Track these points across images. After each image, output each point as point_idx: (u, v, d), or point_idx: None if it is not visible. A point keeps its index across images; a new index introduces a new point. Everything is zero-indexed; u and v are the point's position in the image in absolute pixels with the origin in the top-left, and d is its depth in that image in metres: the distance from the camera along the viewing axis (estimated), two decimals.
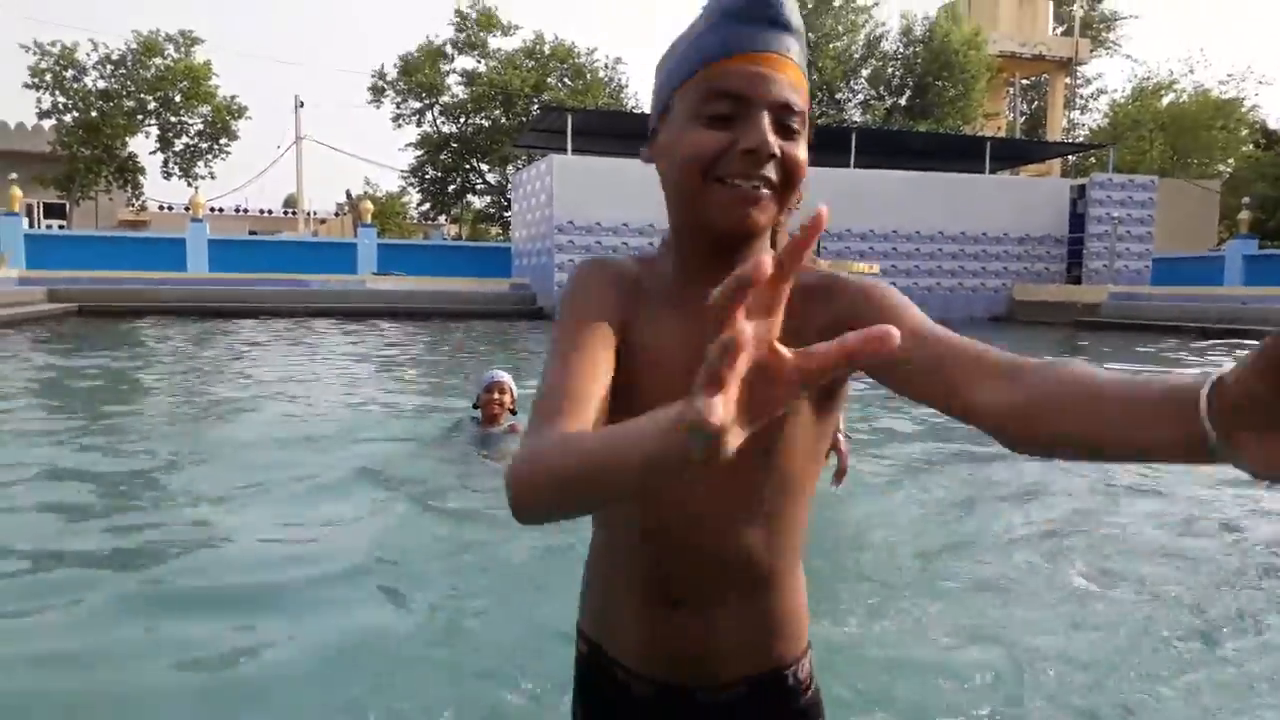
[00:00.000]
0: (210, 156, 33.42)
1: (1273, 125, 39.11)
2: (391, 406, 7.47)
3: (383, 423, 6.66)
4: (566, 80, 35.64)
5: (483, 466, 4.93)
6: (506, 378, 5.40)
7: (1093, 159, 37.65)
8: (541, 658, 2.57)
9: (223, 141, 33.37)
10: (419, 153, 36.55)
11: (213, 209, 40.29)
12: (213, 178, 34.46)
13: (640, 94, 35.51)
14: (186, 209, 28.09)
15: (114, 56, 31.24)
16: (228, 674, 2.57)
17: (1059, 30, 38.94)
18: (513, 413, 5.38)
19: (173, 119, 32.57)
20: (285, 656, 2.68)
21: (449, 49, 35.10)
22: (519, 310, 22.40)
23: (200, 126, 33.07)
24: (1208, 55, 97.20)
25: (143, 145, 34.63)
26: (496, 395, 5.30)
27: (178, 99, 32.03)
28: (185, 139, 33.12)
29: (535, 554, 3.55)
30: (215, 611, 3.00)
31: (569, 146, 22.54)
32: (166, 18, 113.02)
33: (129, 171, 33.41)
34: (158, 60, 31.64)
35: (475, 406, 5.48)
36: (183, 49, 31.95)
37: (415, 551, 3.62)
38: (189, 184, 33.28)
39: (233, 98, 33.27)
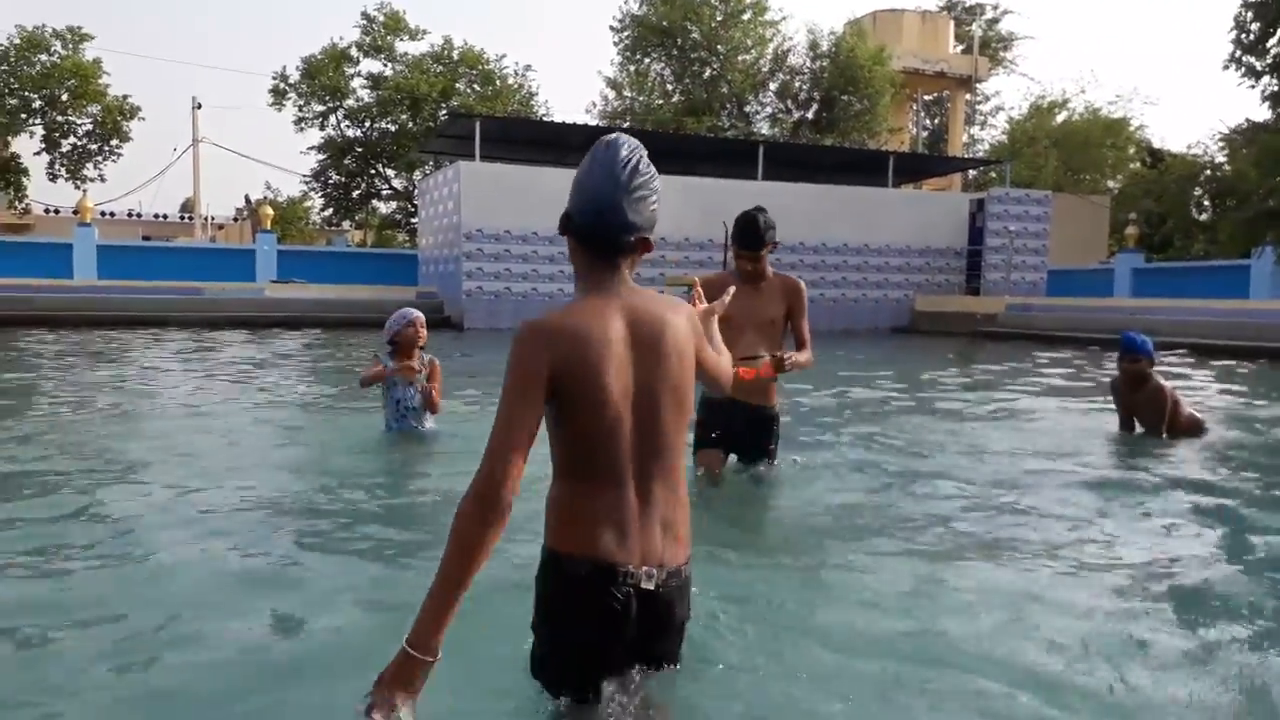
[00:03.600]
0: (100, 158, 32.13)
1: (1157, 144, 40.89)
2: (291, 417, 7.15)
3: (287, 434, 6.37)
4: (475, 86, 35.26)
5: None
6: (419, 313, 6.02)
7: (991, 174, 38.85)
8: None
9: (114, 143, 32.09)
10: (322, 157, 35.69)
11: (103, 213, 38.64)
12: (103, 180, 33.18)
13: (550, 102, 35.34)
14: (74, 212, 26.84)
15: None
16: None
17: (959, 49, 40.13)
18: (421, 348, 5.99)
19: (59, 118, 31.16)
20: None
21: (354, 52, 34.40)
22: (426, 320, 22.01)
23: (89, 127, 31.72)
24: (1098, 76, 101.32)
25: (27, 145, 33.01)
26: (418, 328, 5.92)
27: (65, 97, 30.66)
28: (73, 139, 31.74)
29: None
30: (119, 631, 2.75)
31: (477, 153, 22.25)
32: (53, 13, 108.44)
33: (11, 173, 31.93)
34: (43, 56, 30.25)
35: (391, 343, 5.89)
36: (70, 45, 30.61)
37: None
38: (77, 186, 31.92)
39: (124, 97, 32.03)
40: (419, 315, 6.00)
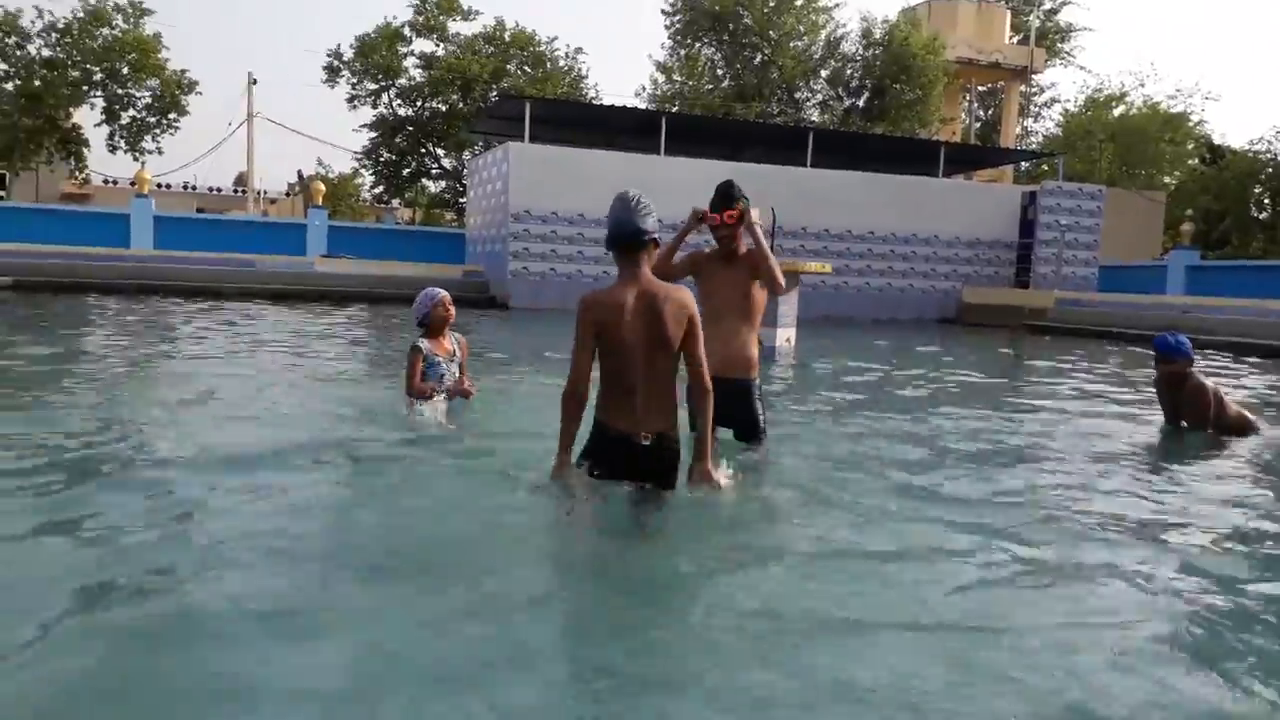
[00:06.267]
0: (158, 131, 32.60)
1: (1218, 140, 40.01)
2: (339, 390, 7.30)
3: (334, 407, 6.51)
4: (526, 68, 35.34)
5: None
6: (445, 292, 6.01)
7: (1044, 167, 38.25)
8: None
9: (171, 116, 32.56)
10: (373, 135, 36.00)
11: (159, 185, 39.41)
12: (160, 153, 33.71)
13: (600, 85, 35.32)
14: (132, 184, 27.37)
15: (59, 25, 30.31)
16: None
17: (1015, 39, 39.45)
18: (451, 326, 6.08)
19: (119, 91, 31.71)
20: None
21: (407, 31, 34.63)
22: (472, 298, 22.18)
23: (148, 100, 32.23)
24: (1158, 70, 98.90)
25: (88, 117, 33.62)
26: (448, 307, 5.93)
27: (125, 71, 31.20)
28: (132, 112, 32.28)
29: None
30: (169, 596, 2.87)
31: (527, 134, 22.35)
32: None
33: (72, 143, 32.54)
34: (105, 30, 30.78)
35: (421, 324, 5.94)
36: (131, 20, 31.12)
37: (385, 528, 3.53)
38: (135, 158, 32.48)
39: (183, 72, 32.51)
40: (445, 294, 6.00)
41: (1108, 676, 2.47)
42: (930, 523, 3.96)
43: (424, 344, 5.90)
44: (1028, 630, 2.76)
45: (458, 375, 5.96)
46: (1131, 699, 2.35)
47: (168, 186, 44.35)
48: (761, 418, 4.95)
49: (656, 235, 3.72)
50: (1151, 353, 6.48)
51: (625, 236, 3.64)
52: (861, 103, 34.77)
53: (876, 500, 4.30)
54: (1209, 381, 6.53)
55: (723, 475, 3.97)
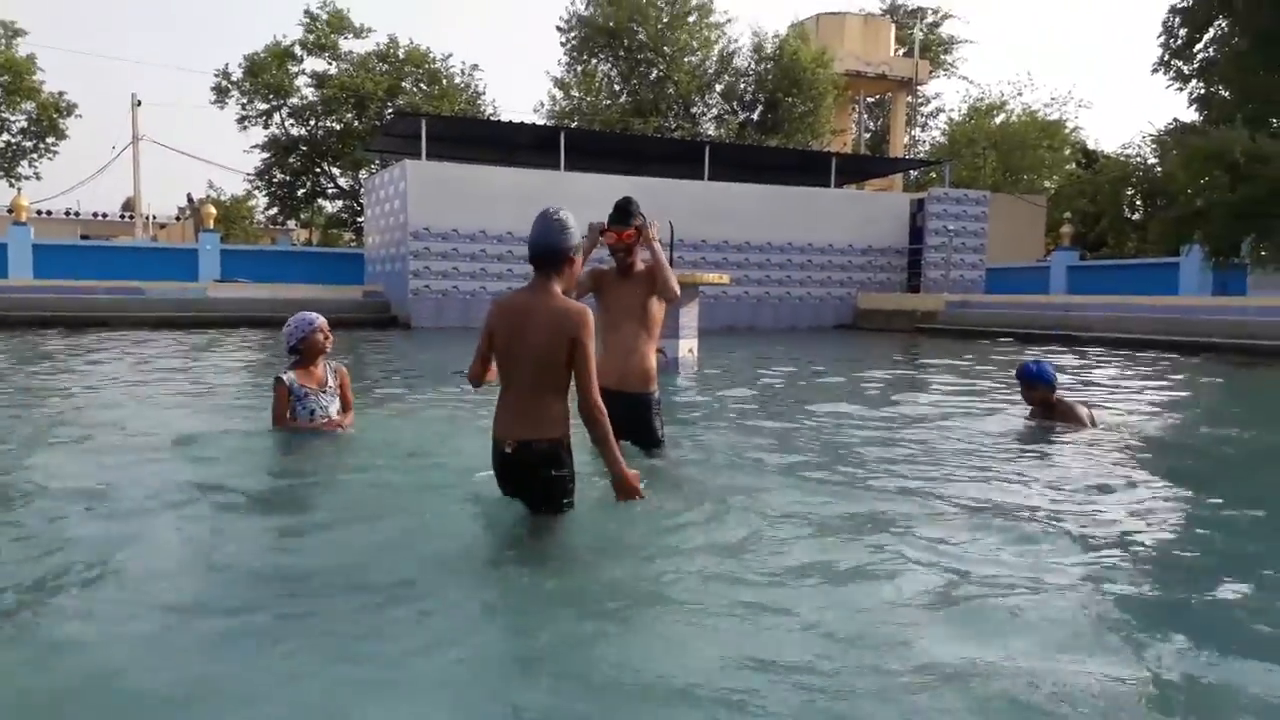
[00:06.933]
0: (35, 156, 31.41)
1: (1092, 146, 41.93)
2: (231, 416, 7.16)
3: (220, 435, 6.39)
4: (422, 85, 35.08)
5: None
6: (322, 318, 5.47)
7: (931, 174, 39.57)
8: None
9: (50, 140, 31.42)
10: (266, 155, 35.25)
11: (39, 212, 37.80)
12: (38, 178, 32.43)
13: (498, 102, 35.24)
14: (9, 211, 26.25)
15: None
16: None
17: (901, 52, 40.79)
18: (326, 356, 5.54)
19: None
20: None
21: (298, 50, 34.03)
22: (373, 319, 21.90)
23: (24, 124, 31.00)
24: (1034, 79, 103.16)
25: None
26: (327, 334, 5.43)
27: None
28: (6, 137, 31.01)
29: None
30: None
31: (424, 152, 22.22)
32: None
33: None
34: None
35: (294, 350, 5.38)
36: (3, 41, 29.92)
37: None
38: (11, 184, 31.18)
39: (60, 94, 31.36)
40: (323, 320, 5.45)
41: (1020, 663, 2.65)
42: (834, 516, 4.13)
43: (289, 375, 5.34)
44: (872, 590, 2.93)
45: (332, 410, 5.43)
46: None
47: (48, 213, 42.57)
48: (660, 430, 5.07)
49: (571, 253, 3.73)
50: (1042, 348, 6.74)
51: (535, 251, 3.71)
52: (755, 116, 35.47)
53: (780, 496, 4.46)
54: (1075, 401, 6.81)
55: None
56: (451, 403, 7.76)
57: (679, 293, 5.00)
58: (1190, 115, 24.76)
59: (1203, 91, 24.24)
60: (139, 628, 2.82)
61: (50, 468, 5.02)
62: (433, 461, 5.22)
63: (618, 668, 2.58)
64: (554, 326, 3.59)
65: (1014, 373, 6.85)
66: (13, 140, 31.12)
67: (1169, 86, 24.55)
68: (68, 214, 46.84)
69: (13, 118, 30.93)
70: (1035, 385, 6.52)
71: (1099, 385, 10.66)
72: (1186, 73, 24.29)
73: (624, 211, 4.93)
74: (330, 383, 5.47)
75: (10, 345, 14.07)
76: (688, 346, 12.77)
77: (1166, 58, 24.40)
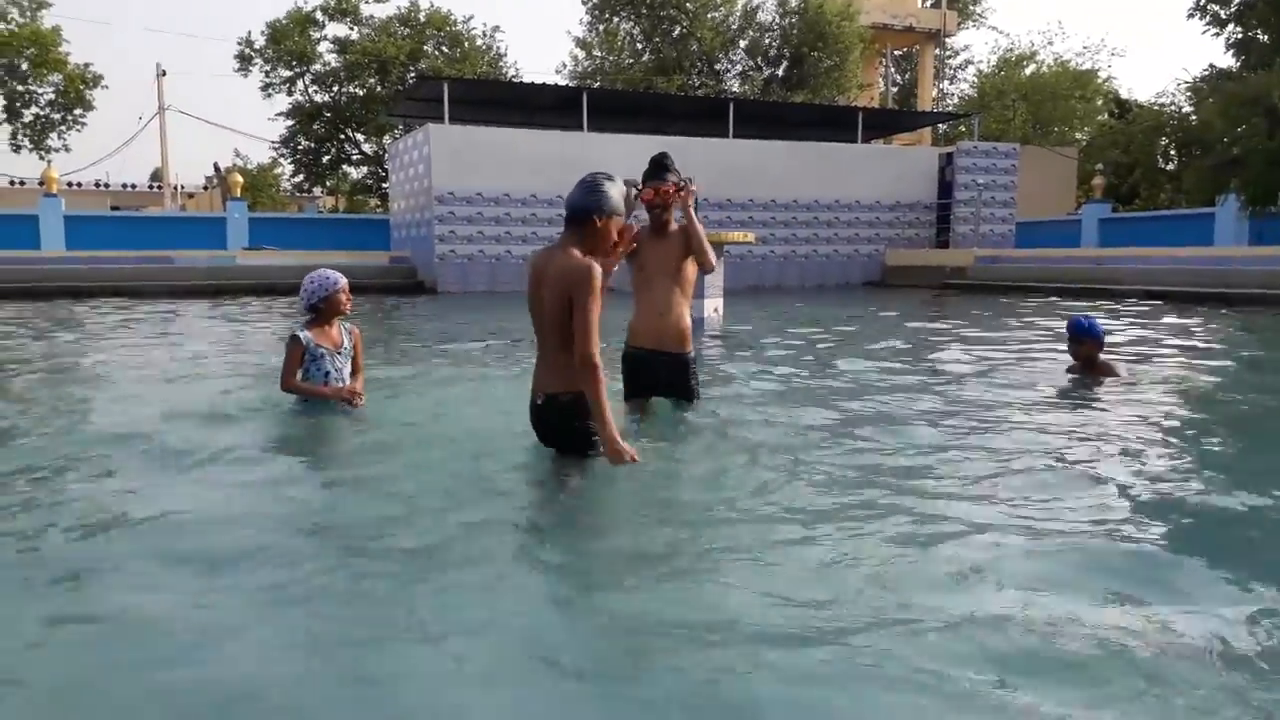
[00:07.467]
0: (64, 128, 31.64)
1: (1125, 95, 41.09)
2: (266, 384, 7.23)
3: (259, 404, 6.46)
4: (443, 49, 34.92)
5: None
6: (344, 278, 5.31)
7: (960, 128, 38.98)
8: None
9: (77, 112, 31.63)
10: (290, 123, 35.31)
11: (70, 184, 38.20)
12: (68, 150, 32.80)
13: (520, 63, 35.01)
14: (41, 183, 26.50)
15: None
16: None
17: (928, 3, 40.04)
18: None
19: (20, 88, 30.63)
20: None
21: (319, 15, 33.94)
22: (399, 284, 21.97)
23: (51, 96, 31.21)
24: (1065, 28, 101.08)
25: None
26: (348, 295, 5.27)
27: (24, 67, 30.13)
28: (35, 109, 31.23)
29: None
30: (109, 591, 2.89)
31: (446, 115, 22.15)
32: None
33: None
34: (0, 25, 29.67)
35: (313, 308, 5.21)
36: (28, 13, 30.04)
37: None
38: (41, 157, 31.47)
39: (86, 65, 31.50)
40: (345, 281, 5.30)
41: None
42: (862, 472, 4.13)
43: (306, 334, 5.18)
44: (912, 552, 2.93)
45: (346, 372, 5.30)
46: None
47: (79, 185, 42.96)
48: (697, 387, 5.10)
49: (595, 214, 3.79)
50: (1074, 302, 6.70)
51: (567, 209, 3.87)
52: (780, 72, 35.01)
53: (815, 451, 4.46)
54: (1116, 359, 6.80)
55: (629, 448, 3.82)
56: (492, 364, 7.79)
57: (715, 264, 5.00)
58: (1227, 60, 24.22)
59: (1240, 35, 23.59)
60: (173, 581, 2.87)
61: (87, 432, 5.12)
62: (476, 415, 5.30)
63: (660, 610, 2.60)
64: (560, 282, 3.71)
65: (1064, 325, 6.82)
66: (41, 113, 31.35)
67: (1205, 31, 23.88)
68: (98, 185, 47.24)
69: (40, 90, 31.13)
70: (1083, 340, 6.47)
71: (1137, 340, 10.52)
72: (1223, 16, 23.62)
73: (660, 166, 4.90)
74: (345, 344, 5.32)
75: (43, 314, 14.27)
76: (713, 306, 12.75)
77: (1203, 1, 23.77)
